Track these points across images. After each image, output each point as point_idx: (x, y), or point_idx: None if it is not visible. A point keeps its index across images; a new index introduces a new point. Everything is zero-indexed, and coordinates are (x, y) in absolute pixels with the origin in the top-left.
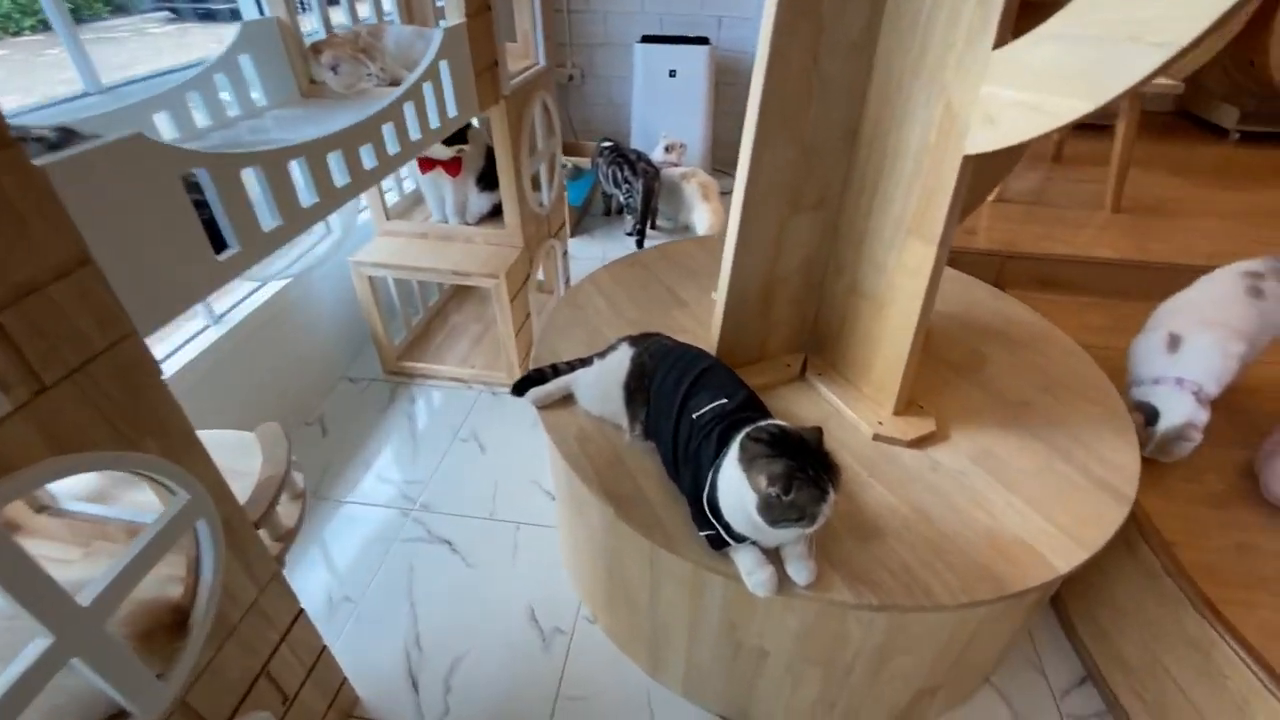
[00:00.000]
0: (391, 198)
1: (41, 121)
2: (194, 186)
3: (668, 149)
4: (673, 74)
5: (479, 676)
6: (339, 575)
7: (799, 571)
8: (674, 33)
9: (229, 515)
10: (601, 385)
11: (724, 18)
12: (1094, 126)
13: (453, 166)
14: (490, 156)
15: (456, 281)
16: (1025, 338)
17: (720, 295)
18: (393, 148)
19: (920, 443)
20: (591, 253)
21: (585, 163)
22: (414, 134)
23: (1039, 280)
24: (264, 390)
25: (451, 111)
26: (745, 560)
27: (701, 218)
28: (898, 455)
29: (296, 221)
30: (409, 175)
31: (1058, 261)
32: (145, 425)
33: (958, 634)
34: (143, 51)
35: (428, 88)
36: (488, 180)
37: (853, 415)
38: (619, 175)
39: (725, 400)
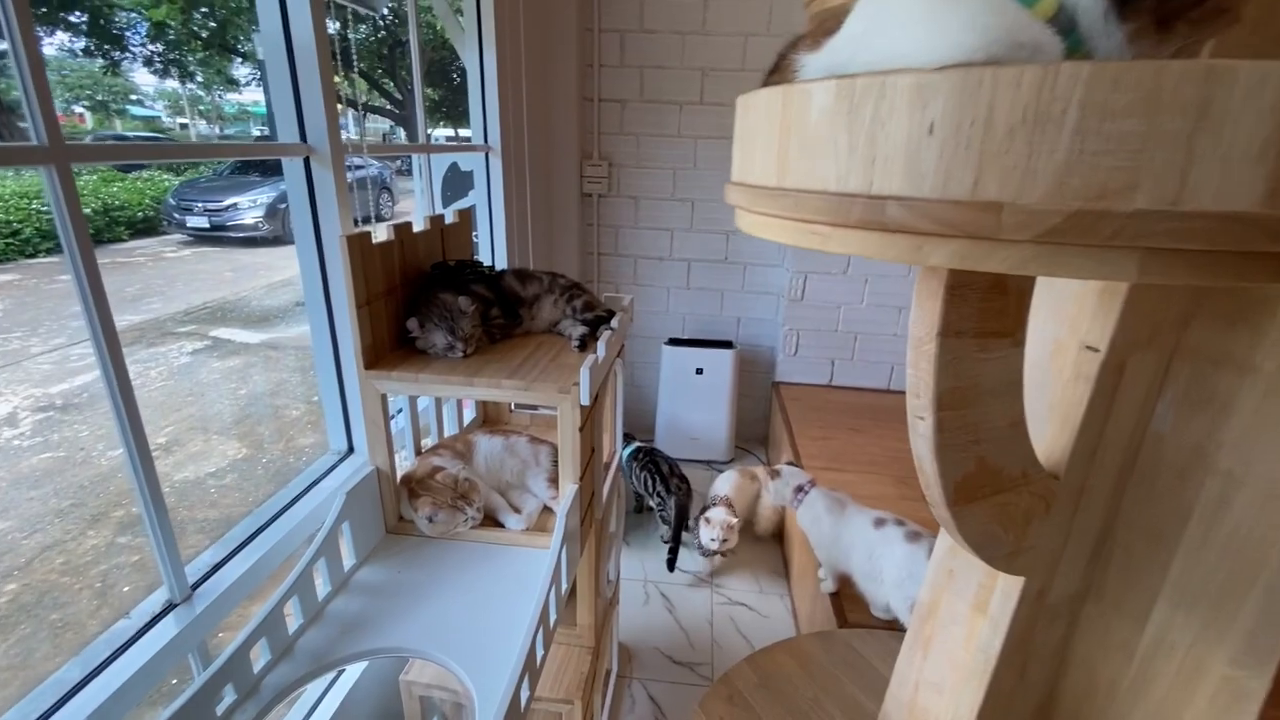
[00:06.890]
0: None
1: None
2: None
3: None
4: (699, 371)
5: None
6: None
7: None
8: (696, 334)
9: None
10: None
11: (741, 318)
12: None
13: None
14: None
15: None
16: None
17: None
18: None
19: None
20: (633, 570)
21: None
22: None
23: None
24: None
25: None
26: None
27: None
28: None
29: None
30: None
31: None
32: None
33: None
34: (156, 280)
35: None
36: None
37: None
38: (650, 484)
39: None
